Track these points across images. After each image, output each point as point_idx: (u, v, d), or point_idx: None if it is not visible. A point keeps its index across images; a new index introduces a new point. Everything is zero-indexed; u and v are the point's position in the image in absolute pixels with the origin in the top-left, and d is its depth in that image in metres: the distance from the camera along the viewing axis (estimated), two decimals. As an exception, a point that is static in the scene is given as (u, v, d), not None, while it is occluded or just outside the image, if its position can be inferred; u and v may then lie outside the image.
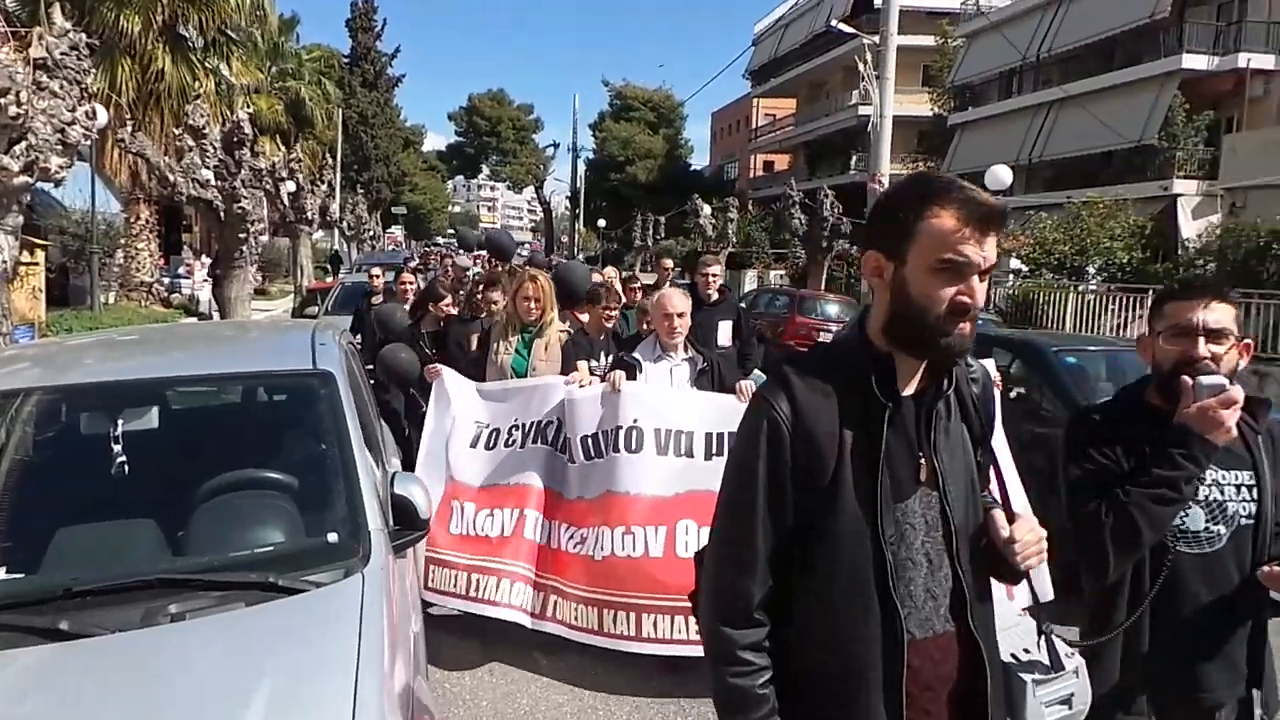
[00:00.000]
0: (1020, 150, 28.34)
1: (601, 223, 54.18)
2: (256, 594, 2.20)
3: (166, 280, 22.45)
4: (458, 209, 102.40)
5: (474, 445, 4.25)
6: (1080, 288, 16.57)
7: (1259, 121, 22.69)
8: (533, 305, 4.65)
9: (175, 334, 4.68)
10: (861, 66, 16.27)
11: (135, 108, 19.32)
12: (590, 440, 3.99)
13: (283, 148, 26.68)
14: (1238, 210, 17.59)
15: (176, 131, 10.62)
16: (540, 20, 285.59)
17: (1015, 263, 19.97)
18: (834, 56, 36.13)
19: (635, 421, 3.84)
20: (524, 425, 4.24)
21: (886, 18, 15.23)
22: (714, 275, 6.26)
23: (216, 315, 12.69)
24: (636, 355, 4.20)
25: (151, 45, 19.41)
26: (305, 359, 3.00)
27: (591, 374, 4.55)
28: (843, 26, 23.60)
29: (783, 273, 28.24)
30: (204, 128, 9.77)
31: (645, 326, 5.32)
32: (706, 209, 28.49)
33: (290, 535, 2.60)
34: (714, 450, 3.83)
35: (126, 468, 2.66)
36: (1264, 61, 22.80)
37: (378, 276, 8.40)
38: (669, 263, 9.69)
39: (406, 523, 2.64)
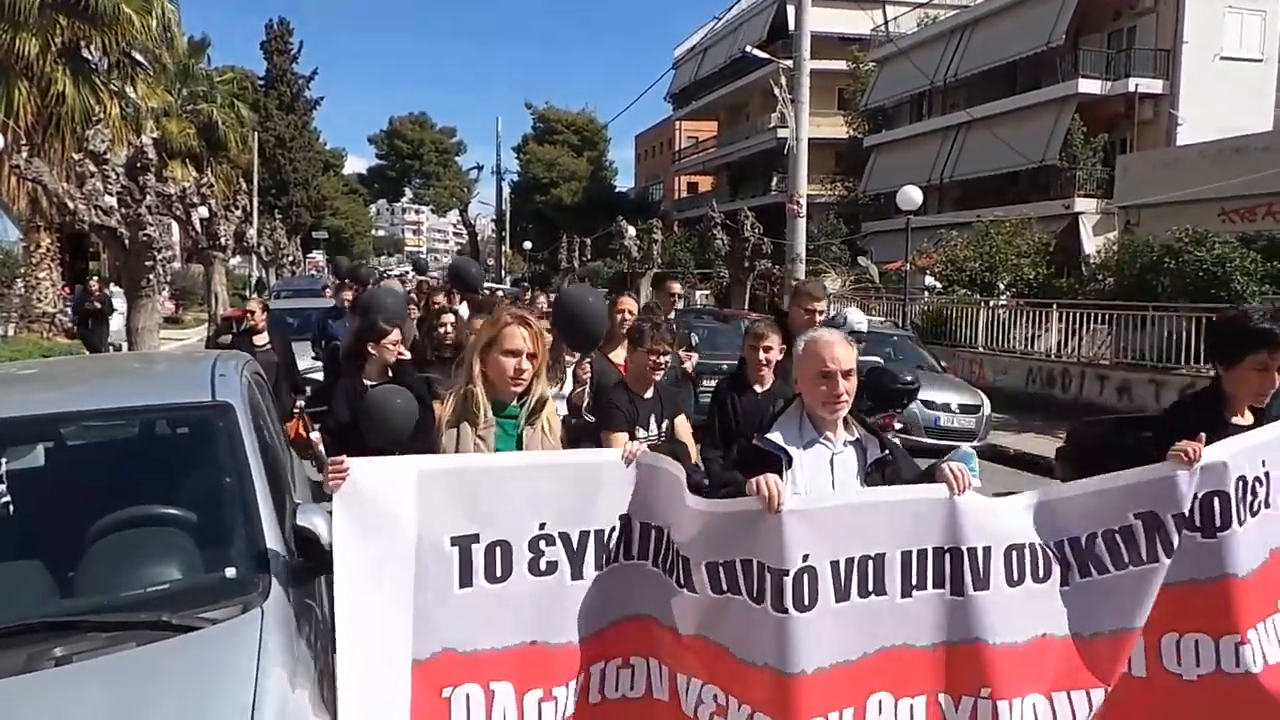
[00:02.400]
0: (932, 171, 29.41)
1: (528, 245, 54.04)
2: (149, 633, 2.15)
3: (70, 310, 21.52)
4: (381, 233, 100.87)
5: (468, 579, 2.38)
6: (991, 303, 17.21)
7: (1149, 143, 24.03)
8: (519, 368, 2.75)
9: (73, 367, 4.51)
10: (777, 90, 16.67)
11: (34, 132, 18.57)
12: (724, 570, 2.39)
13: (195, 172, 25.93)
14: (1132, 227, 18.55)
15: (77, 157, 10.24)
16: (461, 44, 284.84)
17: (929, 280, 20.63)
18: (752, 80, 36.95)
19: (807, 560, 2.30)
20: (566, 534, 2.47)
21: (800, 43, 15.67)
22: (819, 309, 4.68)
23: (126, 347, 12.23)
24: (777, 438, 2.62)
25: (51, 67, 18.71)
26: (204, 390, 2.93)
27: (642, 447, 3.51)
28: (757, 52, 24.19)
29: (708, 292, 28.58)
30: (106, 153, 9.45)
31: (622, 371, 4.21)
32: (631, 230, 28.71)
33: (187, 572, 2.53)
34: (914, 580, 2.43)
35: (11, 508, 2.56)
36: (1152, 86, 24.20)
37: (254, 312, 7.52)
38: (677, 287, 7.65)
39: (310, 554, 2.60)
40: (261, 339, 7.37)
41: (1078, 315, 14.57)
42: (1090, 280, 17.32)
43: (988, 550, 2.46)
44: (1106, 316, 14.07)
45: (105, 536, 2.57)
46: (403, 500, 2.36)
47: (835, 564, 2.36)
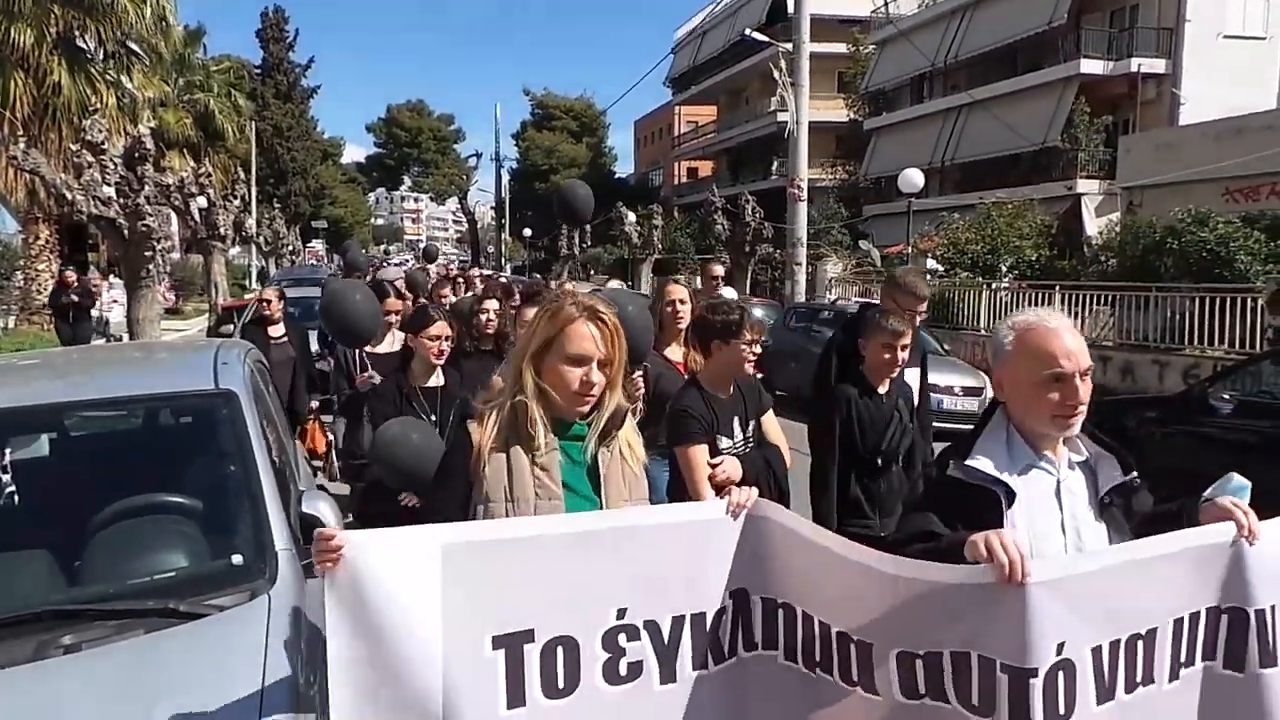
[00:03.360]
0: (933, 153, 29.29)
1: (527, 232, 53.90)
2: (156, 621, 2.14)
3: (48, 304, 21.50)
4: (380, 221, 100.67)
5: (519, 695, 1.72)
6: (993, 285, 17.17)
7: (1152, 123, 23.90)
8: (587, 380, 2.00)
9: (75, 357, 4.50)
10: (777, 74, 16.58)
11: (31, 123, 18.49)
12: (925, 668, 1.70)
13: (192, 162, 25.85)
14: (1135, 208, 18.48)
15: (74, 148, 10.20)
16: (459, 30, 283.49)
17: (931, 263, 20.58)
18: (752, 63, 36.75)
19: (1062, 651, 1.63)
20: (654, 623, 1.83)
21: (799, 26, 15.59)
22: (922, 312, 3.98)
23: (127, 338, 12.22)
24: (984, 465, 1.88)
25: (47, 58, 18.61)
26: (207, 379, 2.92)
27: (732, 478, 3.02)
28: (757, 35, 24.04)
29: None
30: (103, 143, 9.40)
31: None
32: (631, 216, 28.62)
33: (193, 559, 2.53)
34: (1183, 655, 1.79)
35: (16, 498, 2.56)
36: (1155, 66, 24.05)
37: (269, 302, 6.83)
38: (719, 269, 6.96)
39: (316, 541, 2.60)
40: (277, 330, 6.80)
41: (1080, 297, 14.55)
42: (1093, 262, 17.29)
43: (1274, 611, 1.81)
44: (1109, 298, 14.05)
45: (111, 525, 2.57)
46: (422, 589, 1.65)
47: (1097, 652, 1.66)
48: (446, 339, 3.80)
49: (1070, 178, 24.78)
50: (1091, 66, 24.76)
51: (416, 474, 2.84)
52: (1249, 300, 11.61)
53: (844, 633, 1.78)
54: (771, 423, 3.45)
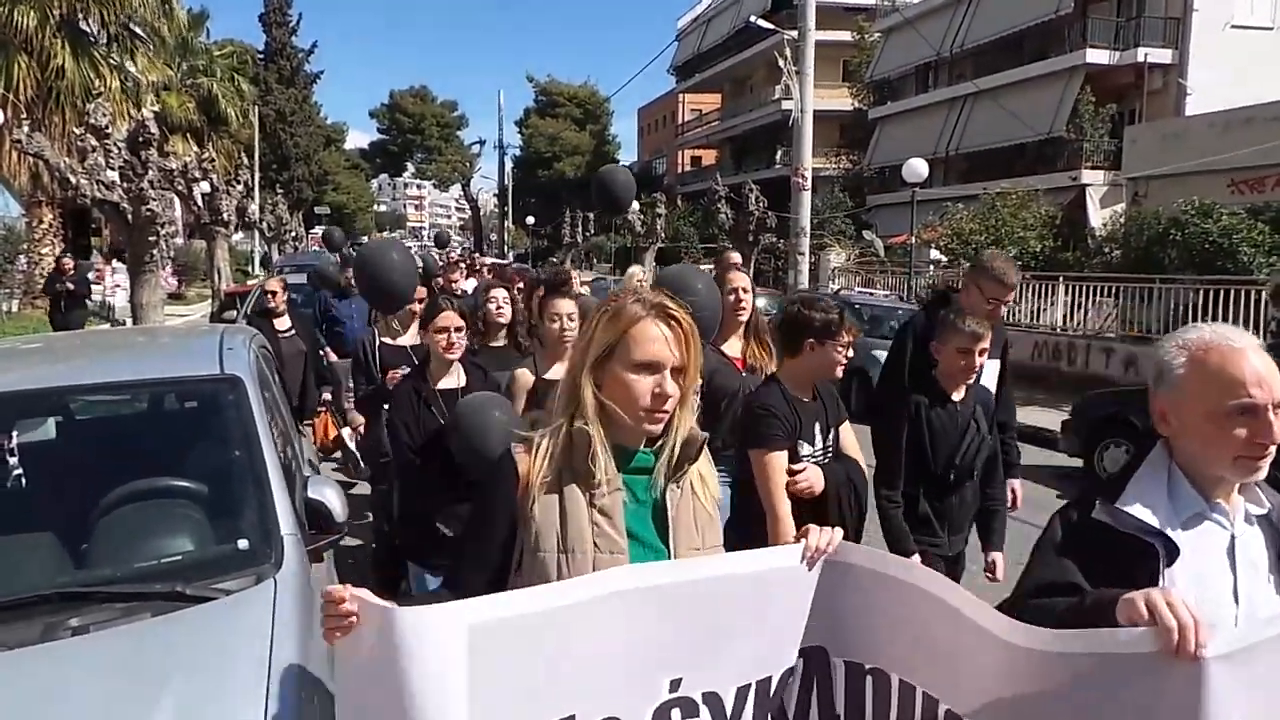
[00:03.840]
0: (938, 143, 29.18)
1: (530, 220, 53.83)
2: (163, 604, 2.16)
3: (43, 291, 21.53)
4: (383, 208, 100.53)
5: None
6: (996, 276, 17.13)
7: (1158, 113, 23.78)
8: (660, 393, 1.63)
9: (80, 341, 4.51)
10: (782, 62, 16.52)
11: (35, 106, 18.48)
12: None
13: (196, 147, 25.80)
14: (1140, 199, 18.40)
15: (78, 131, 10.19)
16: (462, 16, 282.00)
17: (935, 253, 20.55)
18: (756, 52, 36.58)
19: None
20: (715, 695, 1.57)
21: (804, 14, 15.50)
22: (1009, 301, 3.79)
23: (130, 323, 12.24)
24: (1140, 512, 1.57)
25: (50, 41, 18.58)
26: (212, 364, 2.93)
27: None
28: (762, 23, 23.94)
29: (711, 267, 28.52)
30: (107, 127, 9.38)
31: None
32: (635, 205, 28.54)
33: (199, 543, 2.55)
34: None
35: (24, 480, 2.57)
36: (1161, 56, 23.92)
37: (274, 293, 6.47)
38: (736, 257, 6.60)
39: (322, 526, 2.61)
40: (284, 323, 6.42)
41: (1084, 288, 14.52)
42: (1097, 253, 17.25)
43: None
44: (1113, 289, 14.01)
45: (117, 509, 2.58)
46: (446, 681, 1.37)
47: None
48: (458, 330, 3.47)
49: (1075, 168, 24.69)
50: (1098, 56, 24.64)
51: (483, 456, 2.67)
52: (1252, 292, 11.58)
53: (955, 713, 1.48)
54: (849, 433, 3.12)
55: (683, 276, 3.66)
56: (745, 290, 3.77)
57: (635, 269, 6.13)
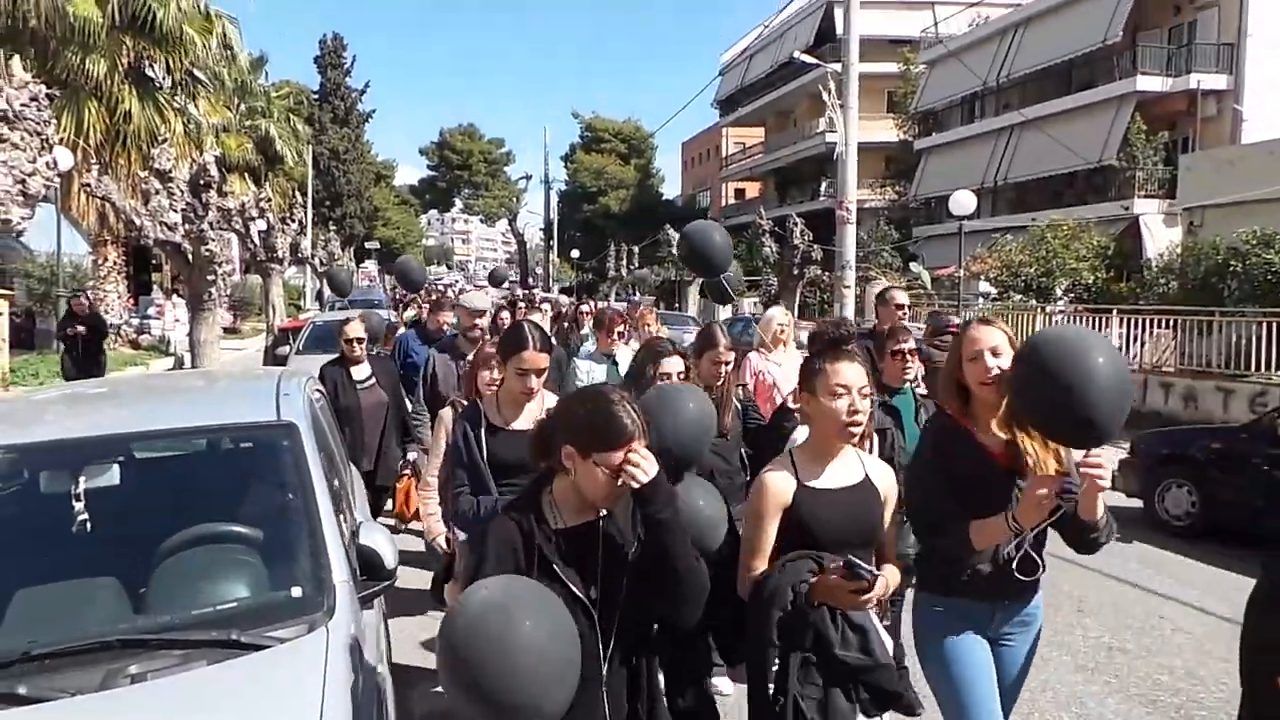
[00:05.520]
0: (985, 173, 28.90)
1: (575, 253, 54.40)
2: (219, 652, 2.19)
3: (136, 321, 22.25)
4: (431, 242, 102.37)
5: None
6: (1048, 309, 16.84)
7: (1213, 140, 23.30)
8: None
9: (140, 386, 4.65)
10: (826, 95, 16.52)
11: (103, 150, 19.26)
12: None
13: (253, 185, 26.63)
14: (1196, 229, 18.00)
15: (143, 175, 10.59)
16: (510, 55, 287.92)
17: (984, 285, 20.27)
18: (799, 85, 36.72)
19: None
20: None
21: (848, 48, 15.51)
22: None
23: (188, 358, 12.58)
24: None
25: (118, 87, 19.39)
26: (269, 410, 2.99)
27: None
28: (805, 58, 24.04)
29: (756, 299, 28.46)
30: (170, 171, 9.75)
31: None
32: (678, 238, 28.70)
33: (254, 589, 2.58)
34: None
35: (89, 525, 2.65)
36: (1215, 82, 23.47)
37: (353, 341, 5.61)
38: (902, 297, 5.85)
39: (372, 574, 2.64)
40: (362, 371, 5.62)
41: (1140, 321, 14.18)
42: (1152, 284, 16.86)
43: None
44: (1170, 322, 13.67)
45: (176, 553, 2.64)
46: None
47: None
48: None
49: (1128, 197, 24.25)
50: (1149, 83, 24.27)
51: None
52: (1319, 325, 11.21)
53: None
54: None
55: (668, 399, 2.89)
56: (997, 350, 2.51)
57: (775, 312, 5.62)
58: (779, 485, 2.39)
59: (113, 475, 2.84)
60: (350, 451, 5.20)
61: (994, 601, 2.59)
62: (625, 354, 5.63)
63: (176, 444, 3.09)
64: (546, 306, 12.00)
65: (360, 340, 5.65)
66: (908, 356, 4.05)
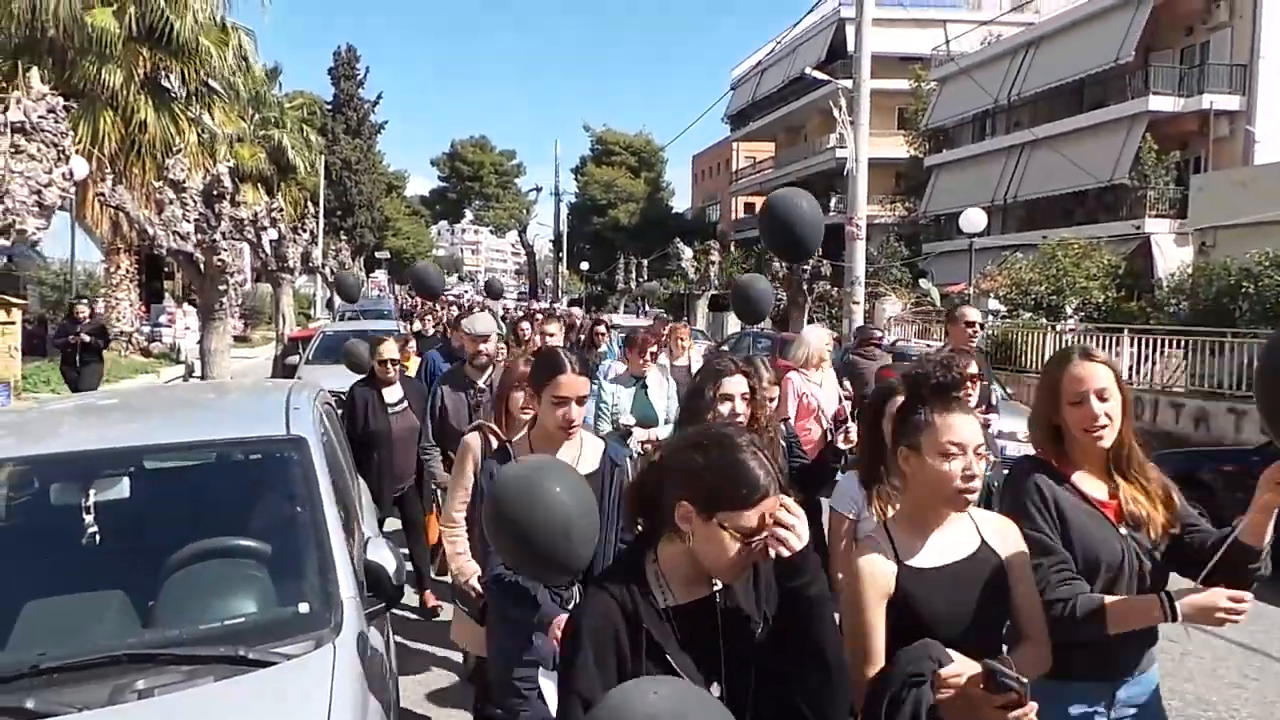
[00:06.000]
0: (995, 191, 28.87)
1: (585, 265, 54.53)
2: (226, 667, 2.20)
3: (147, 329, 22.37)
4: (441, 253, 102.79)
5: None
6: (1059, 327, 16.78)
7: (1225, 161, 23.24)
8: None
9: (152, 399, 4.67)
10: (836, 112, 16.57)
11: (118, 159, 19.42)
12: None
13: (265, 195, 26.81)
14: (1207, 249, 17.92)
15: (157, 185, 10.67)
16: (521, 68, 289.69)
17: (994, 303, 20.22)
18: (810, 100, 36.78)
19: None
20: None
21: (859, 65, 15.55)
22: None
23: (199, 365, 12.64)
24: None
25: (134, 97, 19.57)
26: (279, 424, 3.01)
27: None
28: (816, 74, 24.11)
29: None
30: (184, 181, 9.84)
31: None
32: (688, 252, 28.79)
33: (262, 604, 2.59)
34: None
35: (98, 538, 2.66)
36: (1228, 103, 23.44)
37: (388, 362, 5.31)
38: (973, 314, 5.56)
39: (379, 590, 2.64)
40: (394, 394, 5.33)
41: (1151, 341, 14.11)
42: (1163, 304, 16.80)
43: None
44: (1181, 342, 13.59)
45: (185, 567, 2.65)
46: None
47: None
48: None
49: (1139, 217, 24.18)
50: (1161, 103, 24.25)
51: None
52: (1332, 348, 11.13)
53: None
54: None
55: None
56: (1105, 394, 2.23)
57: (816, 330, 5.52)
58: (877, 569, 1.94)
59: (122, 488, 2.85)
60: (377, 480, 5.14)
61: (1114, 680, 2.21)
62: (655, 376, 5.25)
63: (185, 457, 3.10)
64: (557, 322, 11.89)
65: (394, 361, 5.38)
66: (969, 383, 3.55)
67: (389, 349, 5.38)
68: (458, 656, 4.69)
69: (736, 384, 3.00)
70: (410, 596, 5.31)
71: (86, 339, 11.59)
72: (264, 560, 2.70)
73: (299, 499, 2.77)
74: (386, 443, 5.23)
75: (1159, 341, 14.00)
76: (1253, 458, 7.37)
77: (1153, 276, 20.70)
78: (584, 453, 2.81)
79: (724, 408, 2.96)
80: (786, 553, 1.60)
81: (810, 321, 20.05)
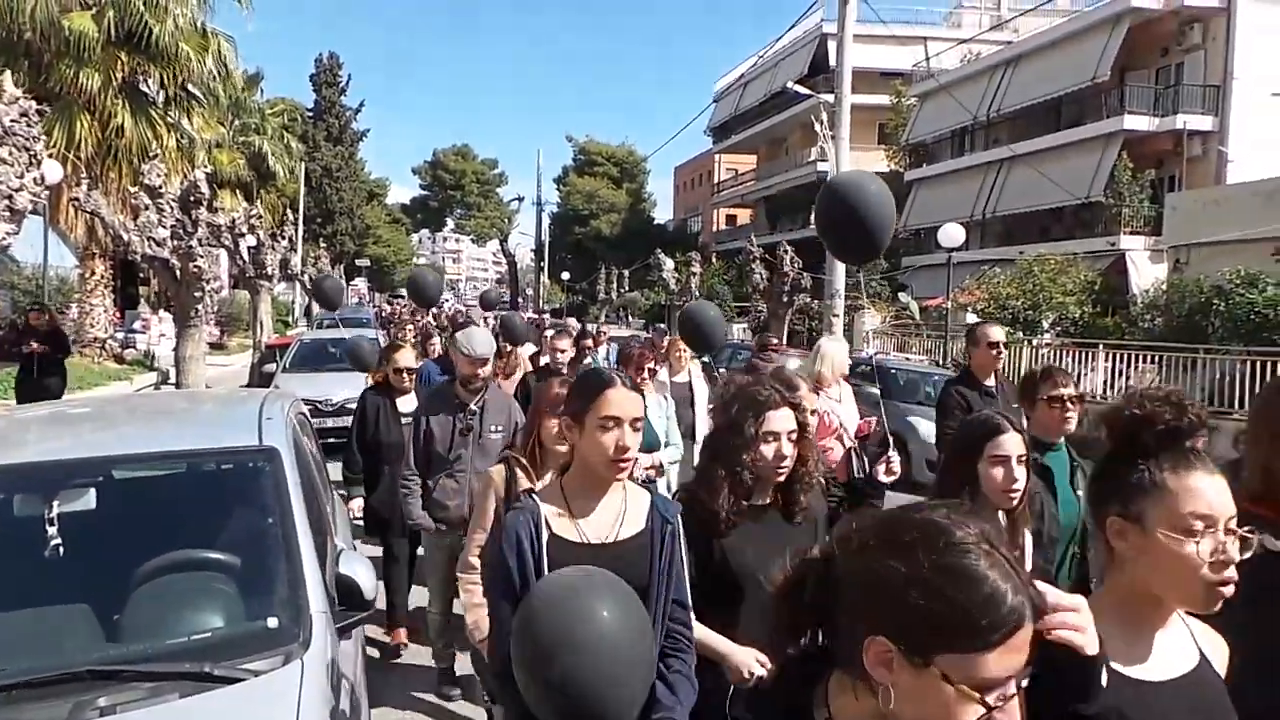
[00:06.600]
0: (974, 206, 29.18)
1: (566, 275, 54.48)
2: (191, 684, 2.15)
3: (121, 335, 22.08)
4: (422, 260, 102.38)
5: None
6: (1035, 342, 16.94)
7: (1198, 180, 23.61)
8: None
9: (123, 408, 4.59)
10: (818, 126, 16.68)
11: (94, 163, 19.18)
12: None
13: (244, 201, 26.58)
14: (1181, 266, 18.19)
15: (133, 190, 10.55)
16: (505, 78, 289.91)
17: (971, 316, 20.38)
18: (792, 114, 37.05)
19: None
20: None
21: (840, 79, 15.69)
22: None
23: (174, 373, 12.50)
24: None
25: (111, 101, 19.35)
26: (250, 434, 2.96)
27: None
28: (798, 88, 24.28)
29: (745, 325, 28.55)
30: (161, 187, 9.73)
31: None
32: (669, 263, 28.83)
33: (230, 619, 2.54)
34: None
35: (61, 550, 2.60)
36: (1201, 123, 23.83)
37: (404, 371, 5.07)
38: (996, 334, 5.01)
39: (351, 603, 2.60)
40: (408, 404, 4.96)
41: (1125, 356, 14.28)
42: (1138, 320, 17.01)
43: None
44: (1155, 357, 13.77)
45: (150, 580, 2.59)
46: None
47: None
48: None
49: (1114, 233, 24.52)
50: (1136, 122, 24.63)
51: None
52: (1302, 365, 11.32)
53: None
54: None
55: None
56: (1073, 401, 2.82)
57: (834, 344, 5.15)
58: None
59: (89, 499, 2.80)
60: (389, 495, 4.79)
61: None
62: (653, 395, 4.75)
63: (154, 467, 3.04)
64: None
65: (411, 371, 5.09)
66: (1068, 404, 3.21)
67: (405, 357, 5.09)
68: (430, 669, 4.62)
69: (784, 420, 2.39)
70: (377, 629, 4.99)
71: (36, 347, 10.13)
72: (233, 573, 2.65)
73: (270, 511, 2.72)
74: (399, 456, 4.64)
75: (1134, 356, 14.17)
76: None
77: (1128, 293, 20.97)
78: (628, 508, 2.17)
79: (767, 449, 2.37)
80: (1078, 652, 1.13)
81: (792, 333, 20.12)
